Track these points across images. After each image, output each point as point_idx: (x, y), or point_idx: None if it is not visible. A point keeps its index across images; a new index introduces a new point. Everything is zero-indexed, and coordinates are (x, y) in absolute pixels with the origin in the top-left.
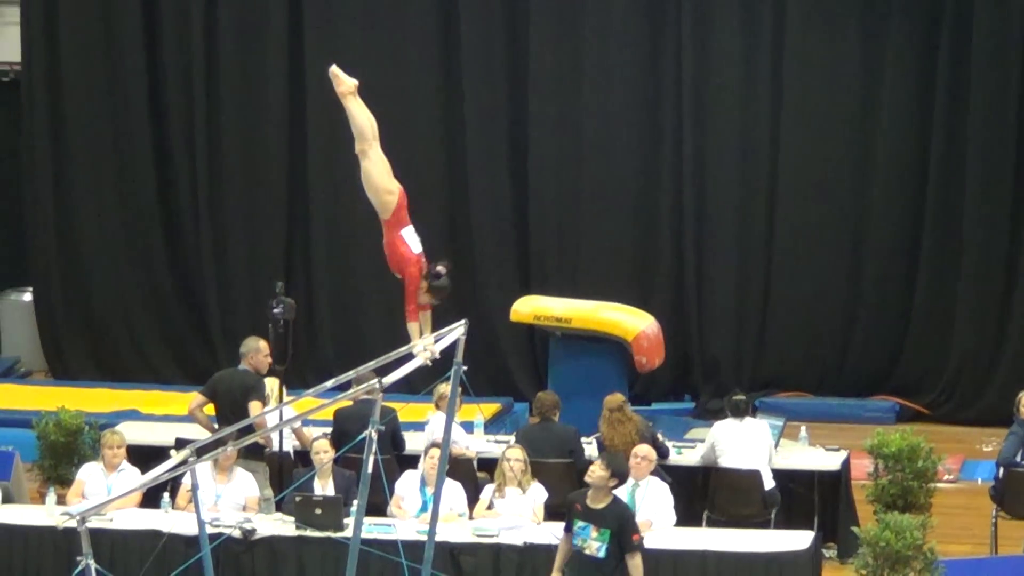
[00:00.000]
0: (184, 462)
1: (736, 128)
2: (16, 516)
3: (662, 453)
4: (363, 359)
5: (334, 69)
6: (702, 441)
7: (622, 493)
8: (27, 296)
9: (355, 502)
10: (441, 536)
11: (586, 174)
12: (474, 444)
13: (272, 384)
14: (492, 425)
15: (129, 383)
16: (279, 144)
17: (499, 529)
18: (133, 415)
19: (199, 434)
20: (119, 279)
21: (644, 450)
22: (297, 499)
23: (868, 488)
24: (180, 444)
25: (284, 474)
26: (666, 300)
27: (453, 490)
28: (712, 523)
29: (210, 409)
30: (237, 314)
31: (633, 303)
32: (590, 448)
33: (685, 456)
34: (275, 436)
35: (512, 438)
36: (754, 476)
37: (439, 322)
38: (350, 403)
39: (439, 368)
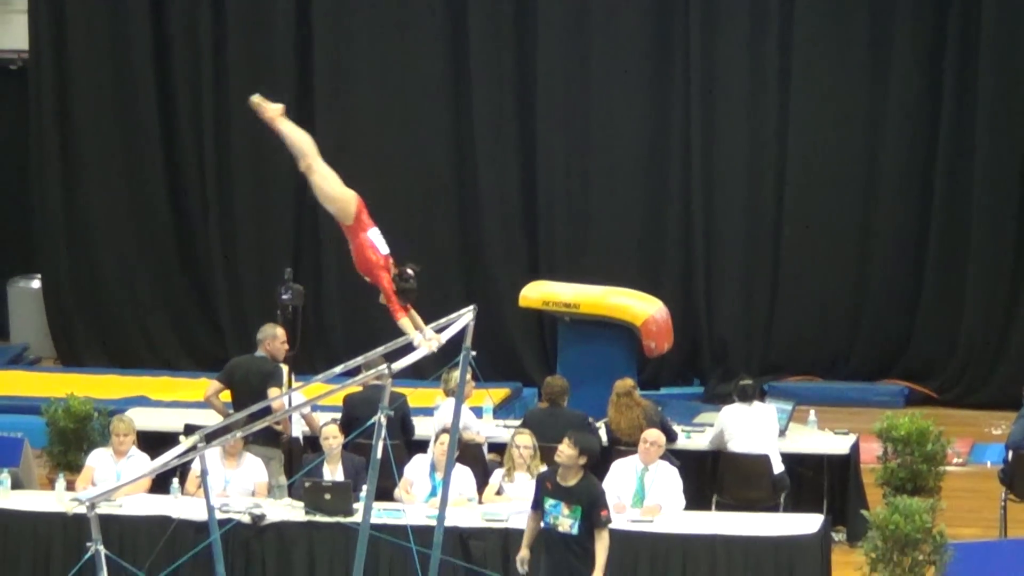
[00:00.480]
0: (193, 448)
1: (745, 114)
2: (25, 502)
3: (670, 437)
4: (372, 345)
5: (255, 99)
6: (711, 425)
7: (631, 476)
8: (35, 283)
9: (364, 487)
10: (450, 521)
11: (594, 159)
12: (483, 429)
13: (287, 368)
14: (501, 410)
15: (138, 369)
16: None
17: (508, 514)
18: (142, 401)
19: (208, 419)
20: (127, 265)
21: (654, 435)
22: (307, 484)
23: (877, 472)
24: (189, 430)
25: (294, 460)
26: (675, 285)
27: (462, 475)
28: (721, 507)
29: (226, 396)
30: (246, 300)
31: (642, 288)
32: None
33: (694, 440)
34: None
35: (520, 423)
36: (763, 460)
37: (449, 308)
38: (359, 389)
39: (448, 353)
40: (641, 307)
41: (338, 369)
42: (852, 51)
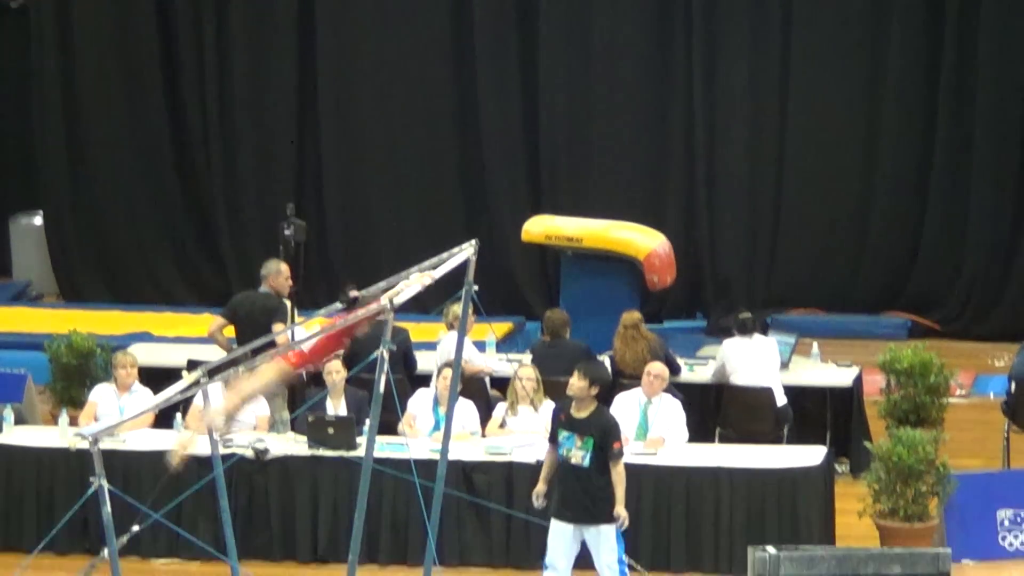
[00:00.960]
0: (196, 383)
1: (748, 46)
2: (29, 438)
3: (674, 371)
4: (374, 279)
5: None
6: (714, 359)
7: (635, 409)
8: (38, 220)
9: (367, 421)
10: (454, 455)
11: (596, 93)
12: (487, 363)
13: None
14: (504, 344)
15: (140, 305)
16: (289, 65)
17: (512, 447)
18: (145, 337)
19: (211, 355)
20: (130, 201)
21: (657, 368)
22: (310, 419)
23: (880, 404)
24: (192, 365)
25: (297, 394)
26: (678, 219)
27: (466, 409)
28: (724, 440)
29: (229, 331)
30: (248, 236)
31: (645, 222)
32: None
33: (697, 373)
34: None
35: (524, 357)
36: (766, 393)
37: (451, 242)
38: None
39: (450, 288)
40: (644, 241)
41: (339, 304)
42: None
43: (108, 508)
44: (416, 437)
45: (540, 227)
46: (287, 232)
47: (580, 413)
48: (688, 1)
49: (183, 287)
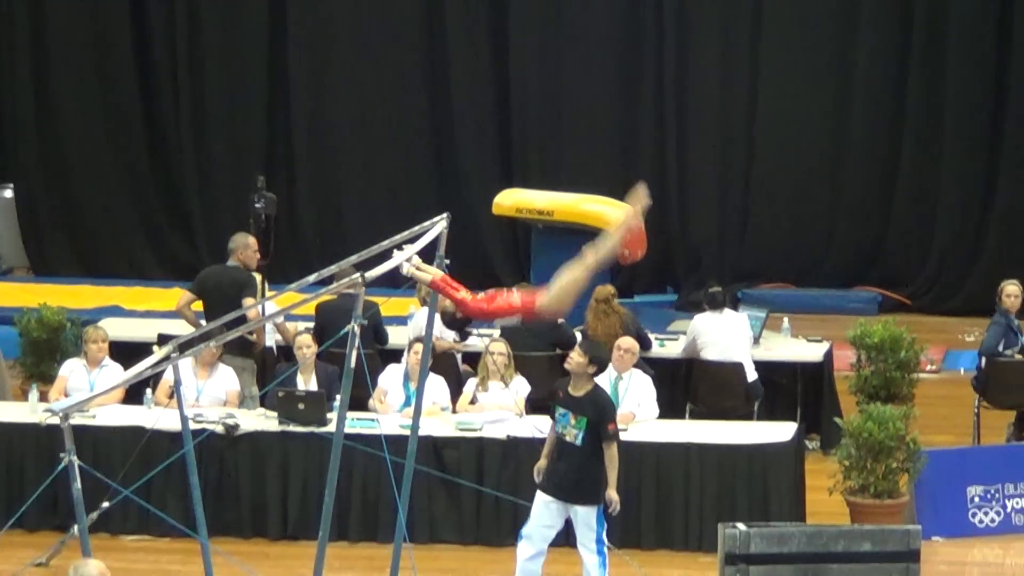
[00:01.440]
0: (166, 358)
1: (718, 23)
2: None
3: (645, 346)
4: (345, 253)
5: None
6: (684, 333)
7: (605, 385)
8: (8, 193)
9: (338, 396)
10: (424, 430)
11: (567, 68)
12: (457, 338)
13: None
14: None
15: (111, 279)
16: (260, 39)
17: (482, 423)
18: (115, 311)
19: (182, 330)
20: (100, 175)
21: (627, 343)
22: (280, 394)
23: (851, 379)
24: (163, 340)
25: (267, 369)
26: (648, 192)
27: (436, 384)
28: (695, 415)
29: (197, 306)
30: (219, 209)
31: (615, 195)
32: (582, 336)
33: (667, 348)
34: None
35: (494, 332)
36: (736, 368)
37: (423, 216)
38: (333, 297)
39: (423, 261)
40: (615, 214)
41: (311, 278)
42: None
43: (78, 484)
44: (387, 413)
45: (511, 200)
46: (257, 205)
47: (577, 391)
48: None
49: (154, 261)
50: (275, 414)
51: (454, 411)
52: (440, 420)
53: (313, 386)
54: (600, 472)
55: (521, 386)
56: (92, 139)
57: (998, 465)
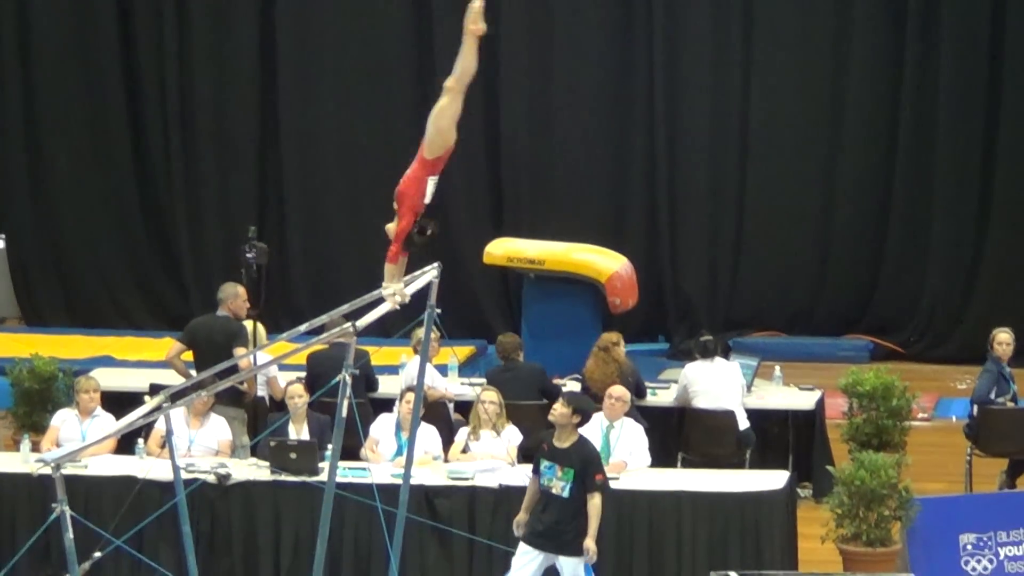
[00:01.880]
0: (158, 408)
1: (709, 71)
2: None
3: (640, 394)
4: (336, 303)
5: (479, 5)
6: (676, 382)
7: (596, 433)
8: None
9: (330, 446)
10: (416, 480)
11: (558, 116)
12: (449, 387)
13: (251, 325)
14: (466, 368)
15: (102, 329)
16: (251, 87)
17: (474, 472)
18: (107, 361)
19: (173, 380)
20: (91, 225)
21: (618, 391)
22: (272, 444)
23: (843, 427)
24: (154, 390)
25: (259, 419)
26: (639, 241)
27: (428, 433)
28: (687, 464)
29: (187, 356)
30: (210, 259)
31: (606, 244)
32: (572, 385)
33: (659, 397)
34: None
35: (484, 381)
36: (728, 416)
37: (413, 265)
38: (324, 347)
39: (413, 311)
40: (605, 263)
41: (303, 327)
42: (816, 7)
43: (70, 534)
44: (378, 462)
45: (501, 249)
46: (249, 255)
47: (562, 443)
48: (650, 30)
49: (145, 311)
50: (267, 463)
51: (446, 460)
52: (432, 469)
53: (305, 435)
54: (586, 521)
55: (513, 435)
56: (83, 190)
57: (991, 513)
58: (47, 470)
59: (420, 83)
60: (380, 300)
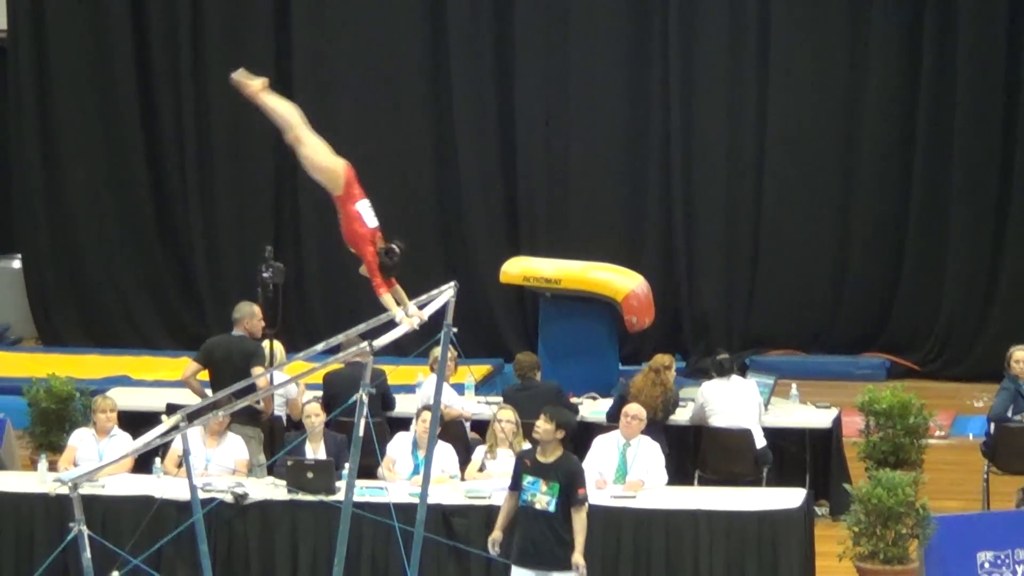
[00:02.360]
0: (175, 427)
1: (724, 88)
2: (8, 483)
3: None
4: (353, 322)
5: (237, 76)
6: (692, 400)
7: (613, 451)
8: (16, 263)
9: (347, 465)
10: (433, 498)
11: (574, 135)
12: (466, 406)
13: (268, 345)
14: (483, 386)
15: (119, 349)
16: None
17: (491, 491)
18: (124, 381)
19: (190, 399)
20: (108, 245)
21: (634, 409)
22: (289, 463)
23: (859, 445)
24: (171, 409)
25: (275, 438)
26: (655, 260)
27: (445, 452)
28: (704, 482)
29: (203, 375)
30: (226, 278)
31: (622, 263)
32: (592, 403)
33: (676, 415)
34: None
35: (501, 400)
36: (745, 435)
37: (430, 284)
38: (340, 366)
39: (429, 330)
40: (622, 282)
41: (319, 347)
42: (832, 27)
43: (88, 554)
44: (395, 481)
45: (518, 268)
46: (265, 275)
47: (546, 458)
48: (665, 45)
49: (162, 331)
50: (284, 483)
51: (463, 479)
52: (449, 488)
53: (322, 455)
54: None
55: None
56: (100, 209)
57: (1008, 530)
58: (64, 490)
59: (436, 102)
60: (395, 322)
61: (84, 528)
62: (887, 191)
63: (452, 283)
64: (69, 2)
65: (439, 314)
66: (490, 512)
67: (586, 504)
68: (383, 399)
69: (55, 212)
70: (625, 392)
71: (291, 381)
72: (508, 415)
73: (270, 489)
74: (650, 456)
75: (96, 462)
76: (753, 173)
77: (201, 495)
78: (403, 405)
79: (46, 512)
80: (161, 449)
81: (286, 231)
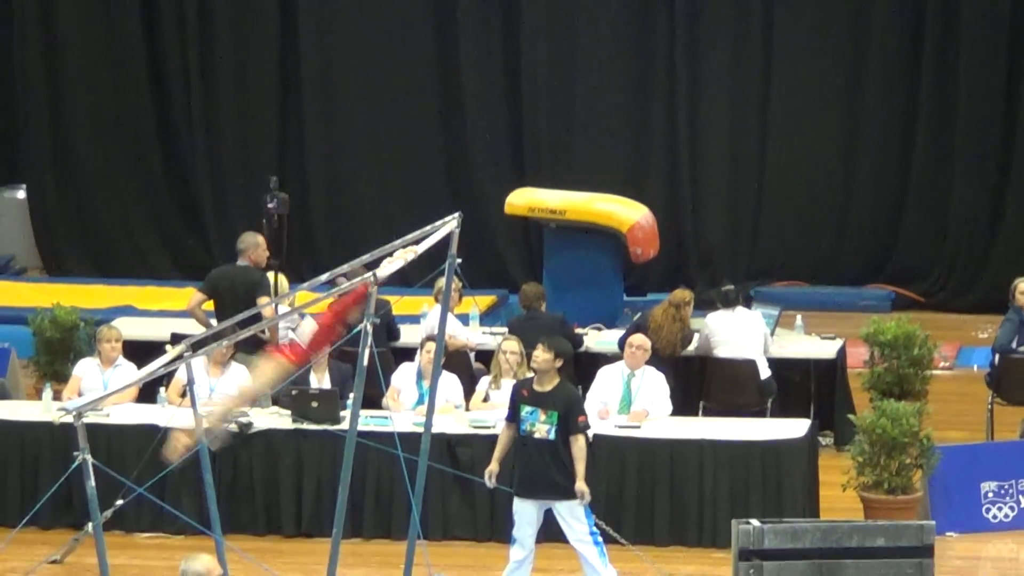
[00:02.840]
0: (180, 357)
1: (730, 19)
2: (13, 412)
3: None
4: (357, 252)
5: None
6: (697, 332)
7: (618, 382)
8: (21, 193)
9: (351, 395)
10: (438, 428)
11: (579, 66)
12: (470, 337)
13: (272, 276)
14: (488, 317)
15: (124, 279)
16: (271, 38)
17: (495, 420)
18: (128, 311)
19: (195, 329)
20: (113, 175)
21: (639, 339)
22: (293, 392)
23: (864, 376)
24: (176, 339)
25: None
26: (660, 191)
27: (449, 382)
28: (708, 413)
29: (208, 305)
30: (231, 209)
31: (627, 194)
32: (596, 334)
33: None
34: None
35: (505, 331)
36: (750, 365)
37: (435, 215)
38: None
39: (434, 260)
40: (627, 213)
41: (323, 277)
42: None
43: (92, 482)
44: (400, 411)
45: (523, 200)
46: (270, 205)
47: (544, 387)
48: None
49: (166, 261)
50: (288, 412)
51: (467, 409)
52: (453, 418)
53: (326, 384)
54: (574, 464)
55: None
56: (104, 139)
57: (1012, 461)
58: (69, 419)
59: (441, 36)
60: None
61: (88, 457)
62: (892, 122)
63: (456, 214)
64: None
65: (443, 245)
66: (494, 442)
67: (586, 431)
68: (388, 329)
69: (60, 142)
70: (642, 322)
71: (295, 311)
72: (512, 345)
73: (275, 419)
74: (655, 387)
75: (101, 391)
76: (759, 104)
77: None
78: (408, 335)
79: (51, 441)
80: (165, 379)
81: (291, 162)
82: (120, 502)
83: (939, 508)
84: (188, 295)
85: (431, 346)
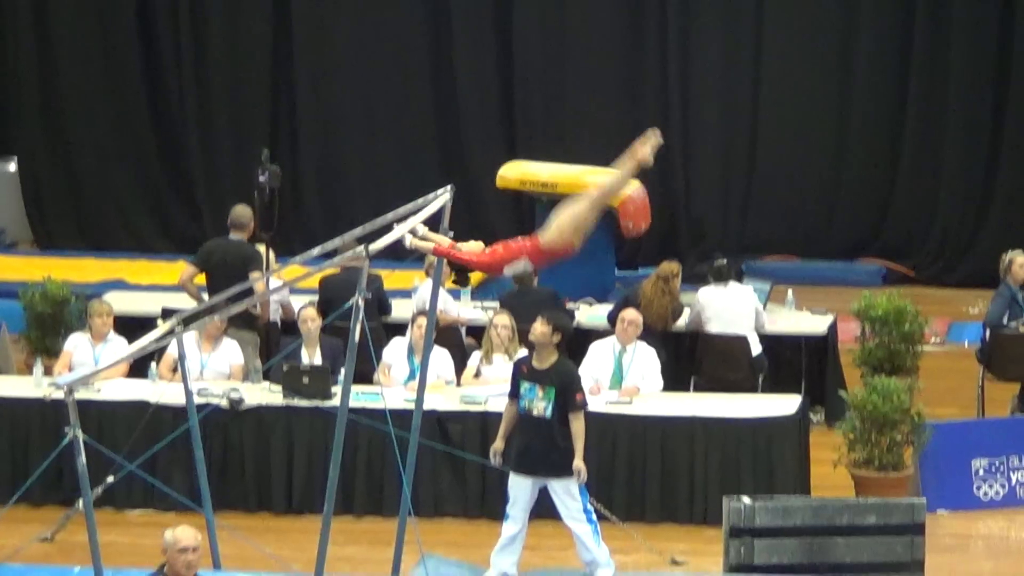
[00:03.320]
0: (171, 332)
1: None
2: (3, 387)
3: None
4: (349, 226)
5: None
6: (688, 306)
7: (609, 357)
8: (11, 166)
9: (343, 370)
10: (429, 404)
11: (571, 40)
12: (462, 312)
13: (265, 250)
14: (479, 292)
15: (115, 252)
16: (263, 11)
17: (486, 396)
18: (119, 285)
19: (186, 303)
20: (104, 148)
21: (631, 315)
22: (284, 368)
23: (855, 352)
24: (167, 314)
25: (271, 343)
26: (652, 164)
27: (440, 358)
28: (699, 388)
29: (200, 279)
30: (222, 182)
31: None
32: (588, 308)
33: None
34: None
35: (497, 306)
36: (741, 341)
37: (427, 188)
38: (336, 271)
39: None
40: None
41: (315, 251)
42: None
43: (83, 459)
44: (391, 386)
45: (515, 173)
46: (261, 178)
47: (542, 363)
48: None
49: (157, 234)
50: (279, 388)
51: (458, 384)
52: (444, 394)
53: (318, 360)
54: (571, 442)
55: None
56: (95, 112)
57: (1003, 437)
58: (60, 394)
59: (434, 9)
60: (392, 225)
61: (79, 433)
62: (884, 95)
63: (448, 187)
64: None
65: (435, 218)
66: (485, 418)
67: (584, 410)
68: (379, 304)
69: (51, 115)
70: (631, 295)
71: (287, 285)
72: (504, 320)
73: (265, 394)
74: (646, 362)
75: (92, 367)
76: (750, 78)
77: (196, 400)
78: (399, 310)
79: (41, 417)
80: (157, 354)
81: (283, 134)
82: (111, 479)
83: (930, 485)
84: (179, 269)
85: (422, 321)
